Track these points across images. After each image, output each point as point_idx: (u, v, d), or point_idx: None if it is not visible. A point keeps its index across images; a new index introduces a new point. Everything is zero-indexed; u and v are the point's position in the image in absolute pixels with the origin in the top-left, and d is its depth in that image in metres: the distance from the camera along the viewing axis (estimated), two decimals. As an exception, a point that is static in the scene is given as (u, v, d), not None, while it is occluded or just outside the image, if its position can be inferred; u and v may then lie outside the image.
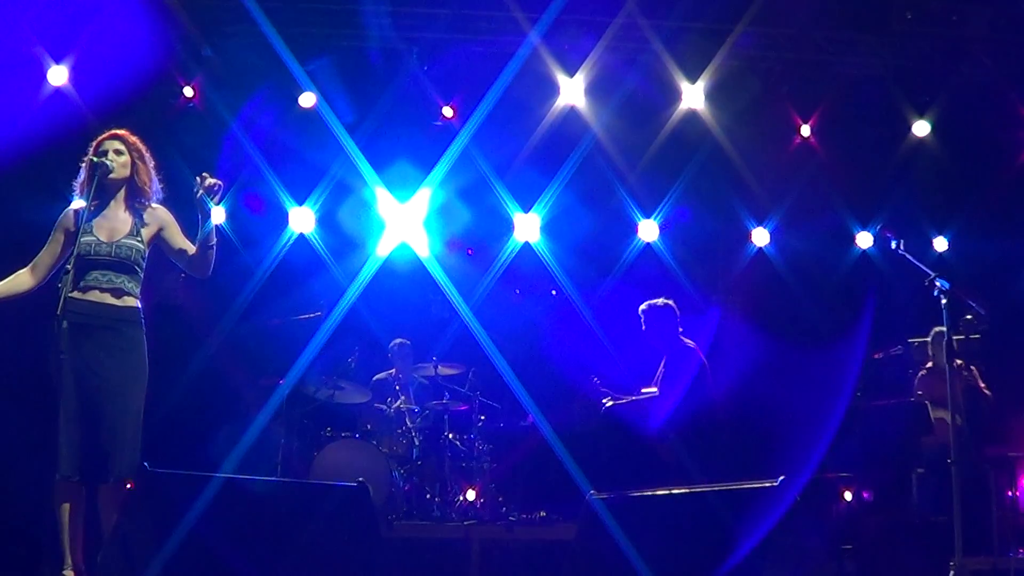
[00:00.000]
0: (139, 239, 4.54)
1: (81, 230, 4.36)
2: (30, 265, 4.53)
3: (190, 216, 4.65)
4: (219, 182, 4.52)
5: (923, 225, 8.86)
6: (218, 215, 8.15)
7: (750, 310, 8.54)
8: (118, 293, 4.45)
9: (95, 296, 4.41)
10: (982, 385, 7.10)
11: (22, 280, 4.50)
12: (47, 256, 4.53)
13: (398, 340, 8.02)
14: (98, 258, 4.42)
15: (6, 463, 6.37)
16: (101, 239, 4.45)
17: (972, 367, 7.04)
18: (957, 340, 5.86)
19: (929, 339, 7.40)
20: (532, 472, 7.85)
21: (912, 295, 7.15)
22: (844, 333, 8.19)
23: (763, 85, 8.53)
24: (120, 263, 4.46)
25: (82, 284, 4.39)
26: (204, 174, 4.52)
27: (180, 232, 4.69)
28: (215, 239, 4.63)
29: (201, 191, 4.49)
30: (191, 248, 4.62)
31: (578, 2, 7.59)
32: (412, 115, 8.56)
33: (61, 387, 4.29)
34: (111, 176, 4.52)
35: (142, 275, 4.57)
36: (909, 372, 7.53)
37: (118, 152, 4.58)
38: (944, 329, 7.14)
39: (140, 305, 4.54)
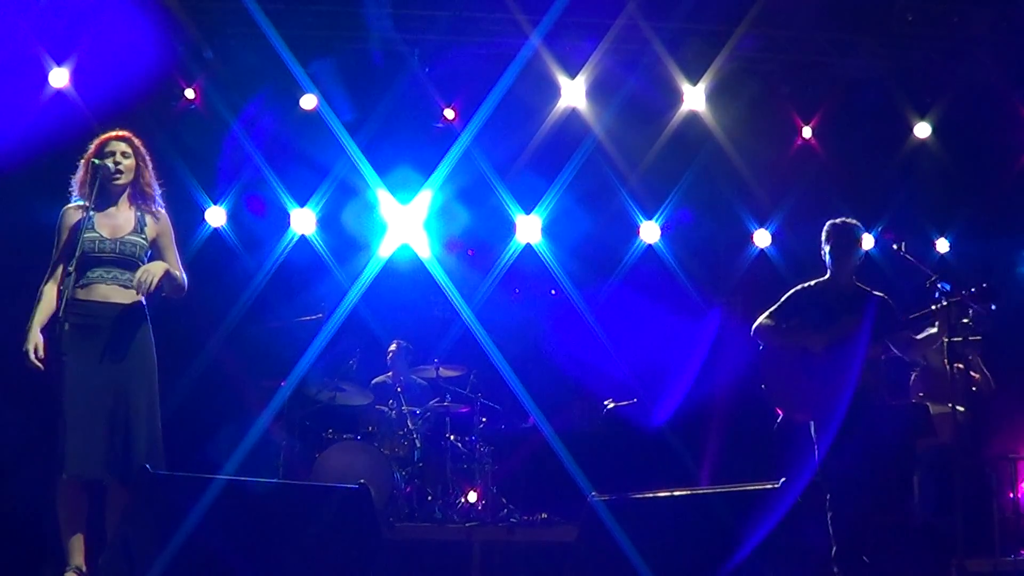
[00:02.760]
0: (143, 236, 4.55)
1: (84, 227, 4.36)
2: (48, 277, 4.47)
3: (185, 218, 4.63)
4: (149, 283, 4.40)
5: (925, 227, 8.85)
6: (219, 217, 8.23)
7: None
8: (123, 289, 4.45)
9: (99, 293, 4.40)
10: (977, 376, 7.05)
11: (50, 293, 4.42)
12: (60, 260, 4.48)
13: (395, 344, 8.02)
14: (102, 255, 4.43)
15: (8, 464, 6.38)
16: (104, 236, 4.46)
17: (973, 358, 6.98)
18: (956, 342, 5.84)
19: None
20: (533, 474, 7.82)
21: (914, 297, 7.14)
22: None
23: (764, 87, 8.53)
24: (124, 259, 4.47)
25: (83, 281, 4.39)
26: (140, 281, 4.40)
27: (172, 248, 4.66)
28: (167, 282, 4.53)
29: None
30: (173, 268, 4.57)
31: (579, 4, 7.60)
32: (413, 117, 8.56)
33: (63, 388, 4.29)
34: (118, 181, 4.53)
35: None
36: (912, 373, 7.53)
37: (125, 154, 4.57)
38: (935, 331, 7.17)
39: (144, 301, 4.54)
